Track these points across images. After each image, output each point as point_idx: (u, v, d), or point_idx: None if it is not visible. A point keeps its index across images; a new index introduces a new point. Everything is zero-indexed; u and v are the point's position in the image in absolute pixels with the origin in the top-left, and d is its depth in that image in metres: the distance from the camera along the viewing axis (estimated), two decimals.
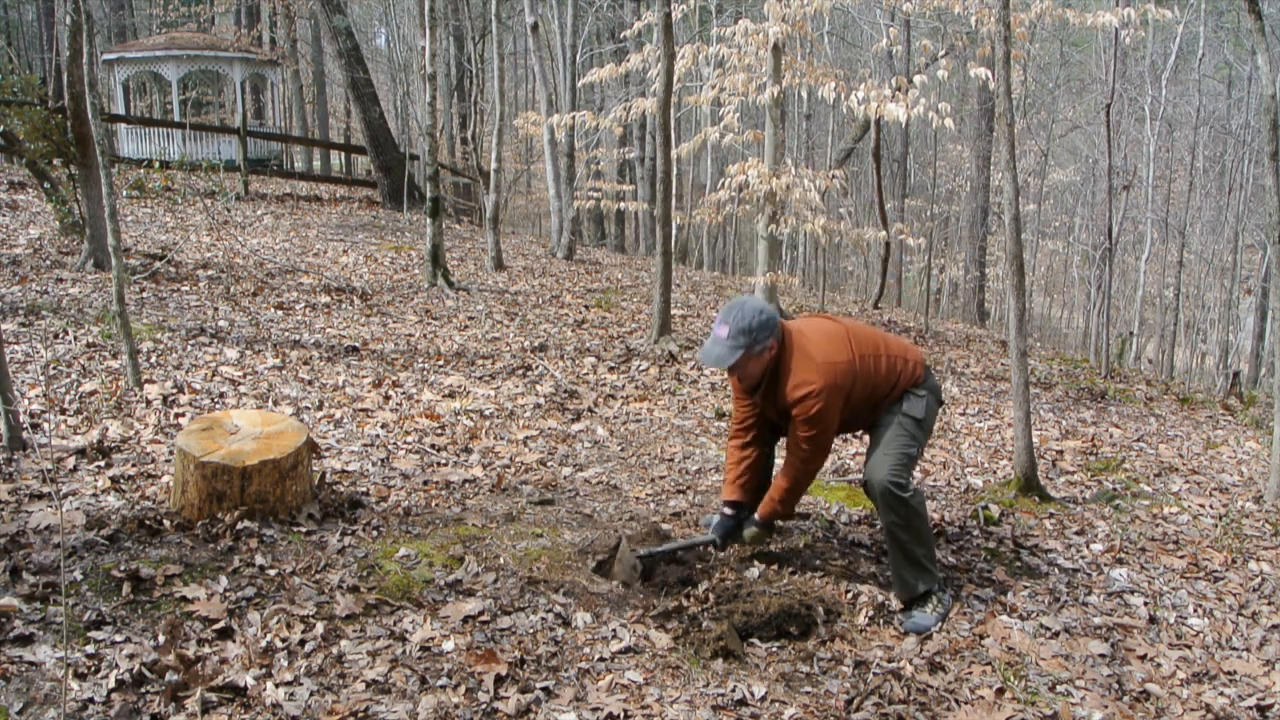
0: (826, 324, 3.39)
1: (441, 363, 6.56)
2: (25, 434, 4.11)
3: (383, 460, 4.46)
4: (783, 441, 3.71)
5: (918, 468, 4.50)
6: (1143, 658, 3.08)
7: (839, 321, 3.43)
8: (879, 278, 13.59)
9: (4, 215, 10.61)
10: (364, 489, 4.01)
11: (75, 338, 6.03)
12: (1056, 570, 3.72)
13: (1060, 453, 5.61)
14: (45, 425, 4.51)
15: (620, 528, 3.79)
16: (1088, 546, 4.00)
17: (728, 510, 3.48)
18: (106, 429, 4.46)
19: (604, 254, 16.30)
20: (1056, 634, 3.18)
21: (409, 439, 4.85)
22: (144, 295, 7.49)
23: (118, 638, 2.60)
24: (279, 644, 2.65)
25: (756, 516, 3.48)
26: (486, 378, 6.28)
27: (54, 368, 5.41)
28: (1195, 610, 3.46)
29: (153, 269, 8.28)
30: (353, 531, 3.49)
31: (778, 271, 9.07)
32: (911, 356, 3.43)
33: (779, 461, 3.84)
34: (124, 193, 11.79)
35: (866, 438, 3.46)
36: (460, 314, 8.37)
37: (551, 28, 15.97)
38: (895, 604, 3.28)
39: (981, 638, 3.11)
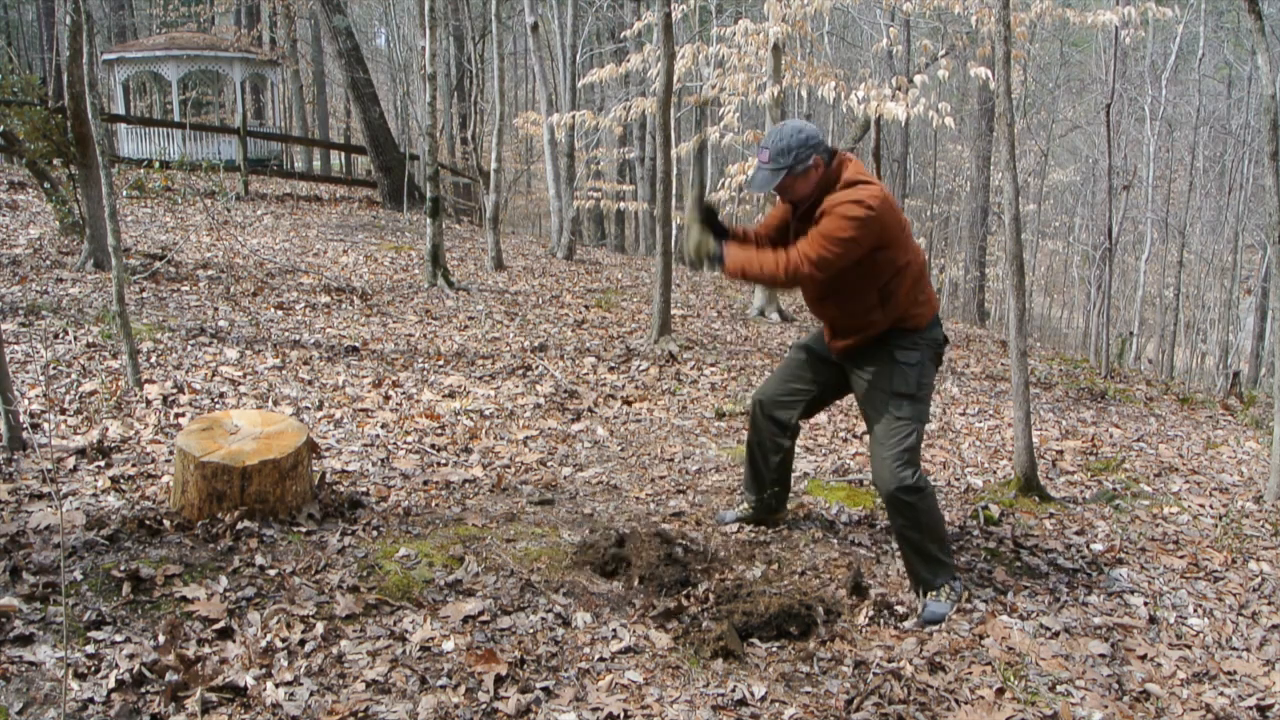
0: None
1: (441, 363, 6.56)
2: (25, 434, 4.11)
3: (383, 460, 4.46)
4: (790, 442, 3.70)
5: (919, 464, 4.48)
6: (1143, 658, 3.08)
7: None
8: None
9: (4, 215, 10.61)
10: (364, 489, 4.01)
11: (75, 338, 6.03)
12: (1056, 570, 3.72)
13: (1060, 453, 5.61)
14: (45, 425, 4.51)
15: (621, 526, 3.80)
16: (1088, 546, 4.00)
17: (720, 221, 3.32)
18: (106, 429, 4.46)
19: (604, 254, 16.30)
20: (1056, 634, 3.18)
21: (409, 439, 4.85)
22: (144, 295, 7.49)
23: (118, 638, 2.60)
24: (279, 644, 2.65)
25: (723, 251, 3.22)
26: (486, 378, 6.28)
27: (54, 368, 5.41)
28: (1195, 610, 3.46)
29: (153, 269, 8.28)
30: (353, 531, 3.49)
31: None
32: (930, 296, 3.32)
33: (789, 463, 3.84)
34: (124, 193, 11.79)
35: (866, 437, 3.45)
36: (460, 314, 8.37)
37: (551, 28, 15.97)
38: (898, 603, 3.28)
39: (981, 638, 3.11)
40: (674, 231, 10.10)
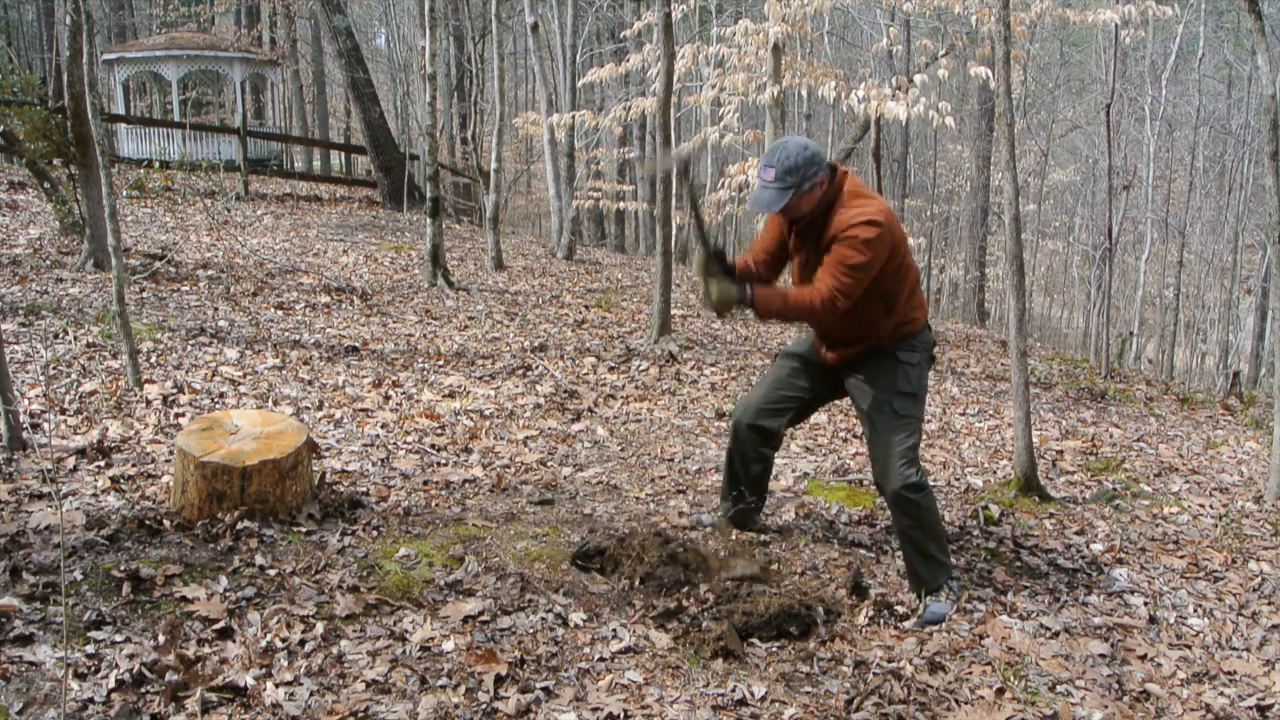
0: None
1: (441, 363, 6.56)
2: (25, 434, 4.11)
3: (383, 460, 4.46)
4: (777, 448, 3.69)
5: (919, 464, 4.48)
6: (1143, 658, 3.08)
7: None
8: None
9: (4, 215, 10.61)
10: (364, 489, 4.01)
11: (75, 338, 6.03)
12: (1056, 570, 3.72)
13: (1060, 453, 5.61)
14: (45, 425, 4.51)
15: (618, 530, 3.79)
16: (1088, 546, 4.00)
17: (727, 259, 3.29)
18: (106, 429, 4.46)
19: (604, 254, 16.31)
20: (1056, 634, 3.18)
21: (409, 439, 4.85)
22: (144, 295, 7.49)
23: (118, 638, 2.60)
24: (279, 644, 2.65)
25: (752, 292, 3.18)
26: (486, 378, 6.28)
27: (54, 368, 5.41)
28: (1195, 610, 3.46)
29: (153, 269, 8.28)
30: (353, 531, 3.49)
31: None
32: (923, 300, 3.37)
33: (775, 464, 3.83)
34: (124, 193, 11.79)
35: (864, 437, 3.45)
36: (460, 314, 8.37)
37: (551, 28, 15.97)
38: (898, 603, 3.28)
39: (981, 638, 3.11)
40: (674, 231, 10.11)
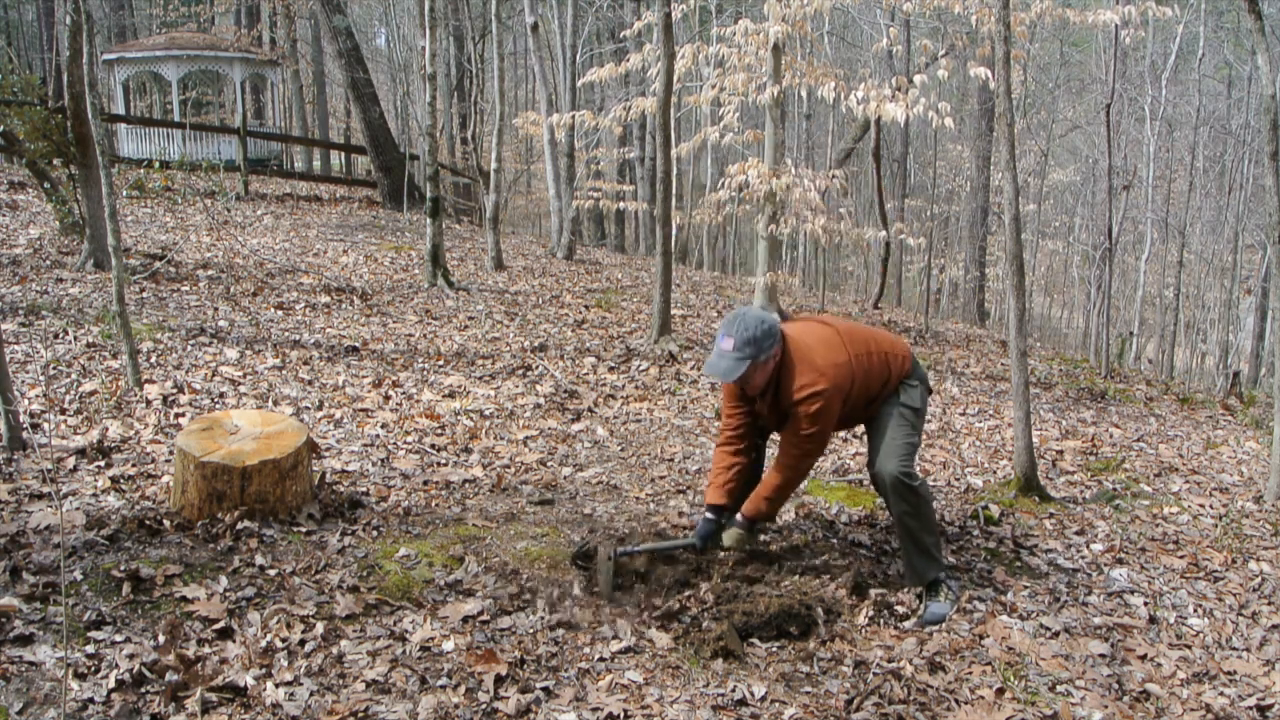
0: (818, 328, 3.41)
1: (441, 363, 6.56)
2: (25, 434, 4.11)
3: (383, 460, 4.46)
4: (772, 439, 3.71)
5: (917, 465, 4.50)
6: (1143, 658, 3.08)
7: (828, 324, 3.45)
8: (879, 278, 13.59)
9: (4, 215, 10.61)
10: (364, 489, 4.01)
11: (75, 338, 6.03)
12: (1056, 570, 3.72)
13: (1060, 453, 5.61)
14: (45, 425, 4.51)
15: (618, 530, 3.79)
16: (1088, 546, 4.00)
17: (709, 514, 3.46)
18: (106, 429, 4.46)
19: (604, 254, 16.30)
20: (1056, 634, 3.18)
21: (409, 439, 4.85)
22: (144, 295, 7.49)
23: (118, 638, 2.60)
24: (279, 644, 2.65)
25: (740, 516, 3.46)
26: (486, 378, 6.28)
27: (54, 368, 5.41)
28: (1195, 610, 3.46)
29: (153, 269, 8.28)
30: (353, 531, 3.49)
31: (778, 271, 9.07)
32: (900, 350, 3.48)
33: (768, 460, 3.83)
34: (124, 193, 11.79)
35: (865, 435, 3.47)
36: (460, 314, 8.37)
37: (551, 28, 15.97)
38: (898, 603, 3.28)
39: (981, 638, 3.11)
40: (674, 232, 10.11)
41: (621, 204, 14.62)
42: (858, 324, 3.64)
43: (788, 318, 9.82)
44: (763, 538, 3.77)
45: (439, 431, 5.04)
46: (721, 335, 3.20)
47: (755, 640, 2.97)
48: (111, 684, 2.38)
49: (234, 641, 2.65)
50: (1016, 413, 4.51)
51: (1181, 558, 3.95)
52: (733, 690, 2.67)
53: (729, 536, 3.45)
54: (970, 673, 2.88)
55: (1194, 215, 17.72)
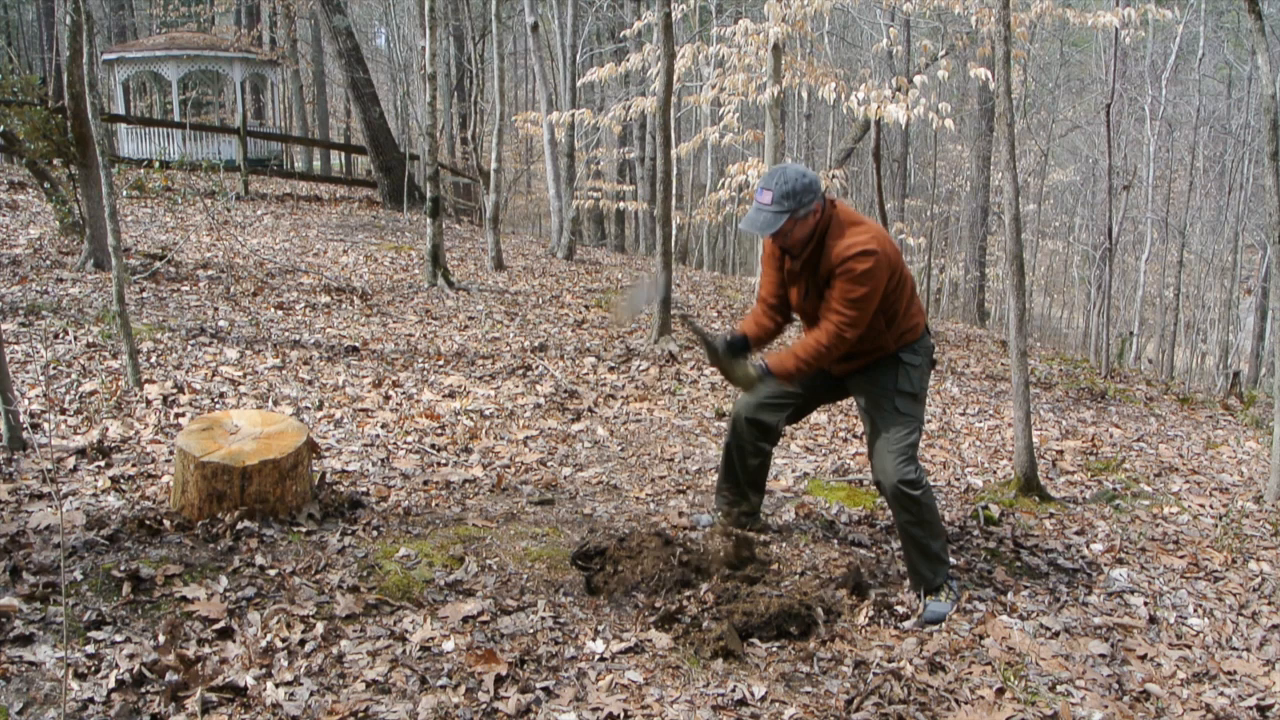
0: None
1: (441, 363, 6.56)
2: (25, 434, 4.11)
3: (383, 460, 4.46)
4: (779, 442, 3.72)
5: (919, 466, 4.50)
6: (1143, 658, 3.08)
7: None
8: None
9: (4, 215, 10.61)
10: (364, 489, 4.01)
11: (75, 338, 6.03)
12: (1056, 570, 3.72)
13: (1060, 453, 5.61)
14: (45, 425, 4.51)
15: (618, 530, 3.79)
16: (1088, 546, 4.00)
17: (740, 335, 3.37)
18: (106, 429, 4.46)
19: (604, 254, 16.30)
20: (1056, 634, 3.18)
21: (409, 439, 4.85)
22: (144, 295, 7.49)
23: (118, 638, 2.60)
24: (279, 644, 2.65)
25: (765, 363, 3.28)
26: (486, 378, 6.28)
27: (54, 368, 5.41)
28: (1195, 610, 3.46)
29: (153, 269, 8.28)
30: (353, 531, 3.49)
31: None
32: (920, 307, 3.40)
33: (770, 464, 3.83)
34: (124, 193, 11.79)
35: (865, 435, 3.45)
36: (460, 314, 8.37)
37: (551, 28, 15.97)
38: (898, 603, 3.28)
39: (981, 638, 3.11)
40: (674, 232, 10.11)
41: (621, 204, 14.65)
42: None
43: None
44: (763, 537, 3.78)
45: (439, 431, 5.04)
46: (760, 189, 3.10)
47: (755, 640, 2.97)
48: (111, 684, 2.38)
49: (234, 641, 2.65)
50: (1016, 413, 4.51)
51: (1181, 558, 3.95)
52: (733, 690, 2.67)
53: (742, 367, 3.32)
54: (970, 673, 2.88)
55: (1194, 215, 17.72)
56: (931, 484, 4.70)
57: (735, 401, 3.69)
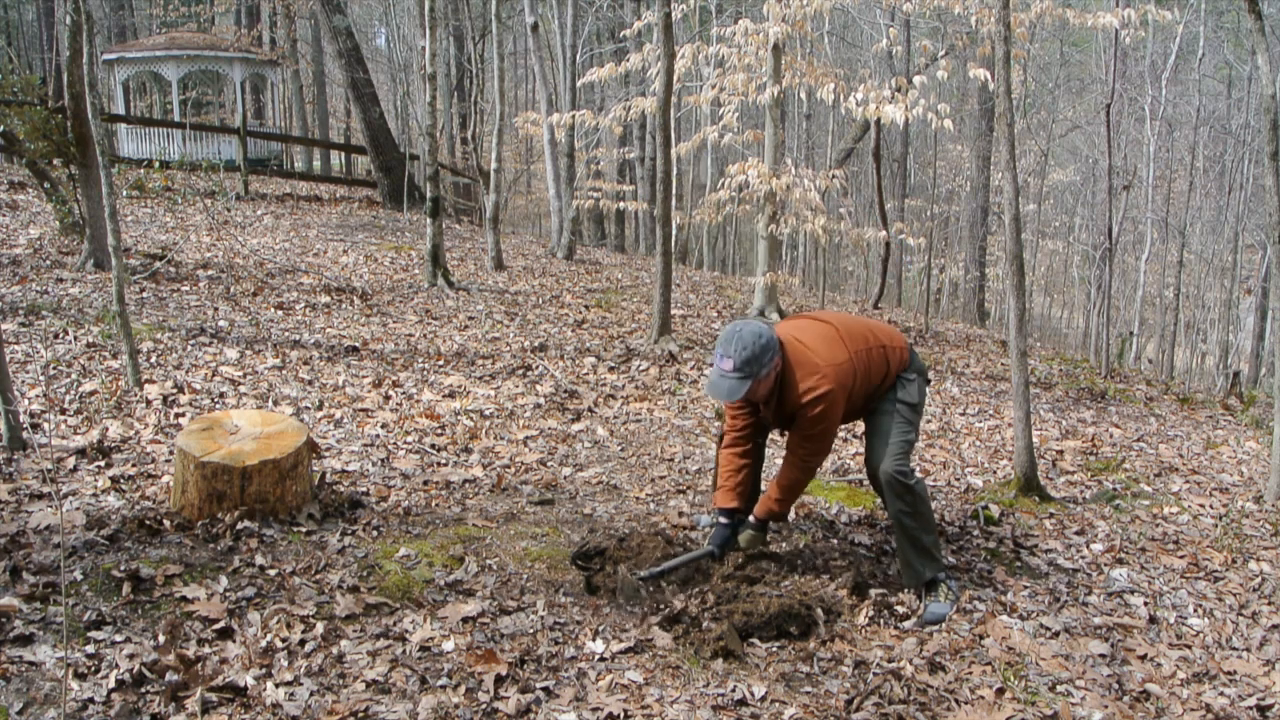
0: (817, 326, 3.40)
1: (441, 363, 6.56)
2: (25, 434, 4.11)
3: (383, 460, 4.46)
4: (771, 436, 3.73)
5: (916, 466, 4.51)
6: (1143, 658, 3.08)
7: (827, 320, 3.44)
8: (879, 278, 13.59)
9: (4, 215, 10.61)
10: (364, 489, 4.01)
11: (75, 338, 6.03)
12: (1056, 570, 3.72)
13: (1060, 453, 5.61)
14: (45, 425, 4.51)
15: (618, 530, 3.79)
16: (1088, 546, 4.00)
17: (723, 519, 3.45)
18: (106, 429, 4.46)
19: (604, 254, 16.30)
20: (1056, 634, 3.18)
21: (409, 439, 4.85)
22: (144, 295, 7.49)
23: (118, 638, 2.60)
24: (279, 644, 2.65)
25: (753, 517, 3.50)
26: (486, 378, 6.28)
27: (54, 368, 5.41)
28: (1195, 610, 3.46)
29: (153, 269, 8.28)
30: (353, 531, 3.49)
31: (778, 271, 9.07)
32: (898, 342, 3.49)
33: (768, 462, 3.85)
34: (124, 193, 11.79)
35: (864, 431, 3.48)
36: (460, 314, 8.37)
37: (551, 28, 15.97)
38: (898, 603, 3.28)
39: (981, 638, 3.11)
40: (674, 232, 10.11)
41: (621, 204, 14.64)
42: (855, 317, 3.63)
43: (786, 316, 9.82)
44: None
45: (439, 431, 5.04)
46: (719, 355, 3.18)
47: (755, 640, 2.97)
48: (111, 684, 2.38)
49: (234, 641, 2.65)
50: (1016, 413, 4.51)
51: (1181, 558, 3.95)
52: (733, 690, 2.67)
53: (744, 539, 3.49)
54: (970, 673, 2.88)
55: (1194, 215, 17.72)
56: (931, 484, 4.72)
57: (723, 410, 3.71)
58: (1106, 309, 10.21)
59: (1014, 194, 4.55)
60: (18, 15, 26.12)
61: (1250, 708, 2.81)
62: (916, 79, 8.74)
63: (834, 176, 9.26)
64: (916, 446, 3.78)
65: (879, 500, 4.20)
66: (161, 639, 2.59)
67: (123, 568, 2.94)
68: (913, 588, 3.33)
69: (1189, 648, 3.18)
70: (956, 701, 2.72)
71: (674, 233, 10.32)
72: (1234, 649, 3.18)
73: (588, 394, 6.08)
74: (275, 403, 5.24)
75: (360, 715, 2.40)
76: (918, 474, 3.36)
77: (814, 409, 3.20)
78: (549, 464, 4.71)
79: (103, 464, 4.01)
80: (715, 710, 2.58)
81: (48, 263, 8.22)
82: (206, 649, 2.60)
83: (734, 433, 3.52)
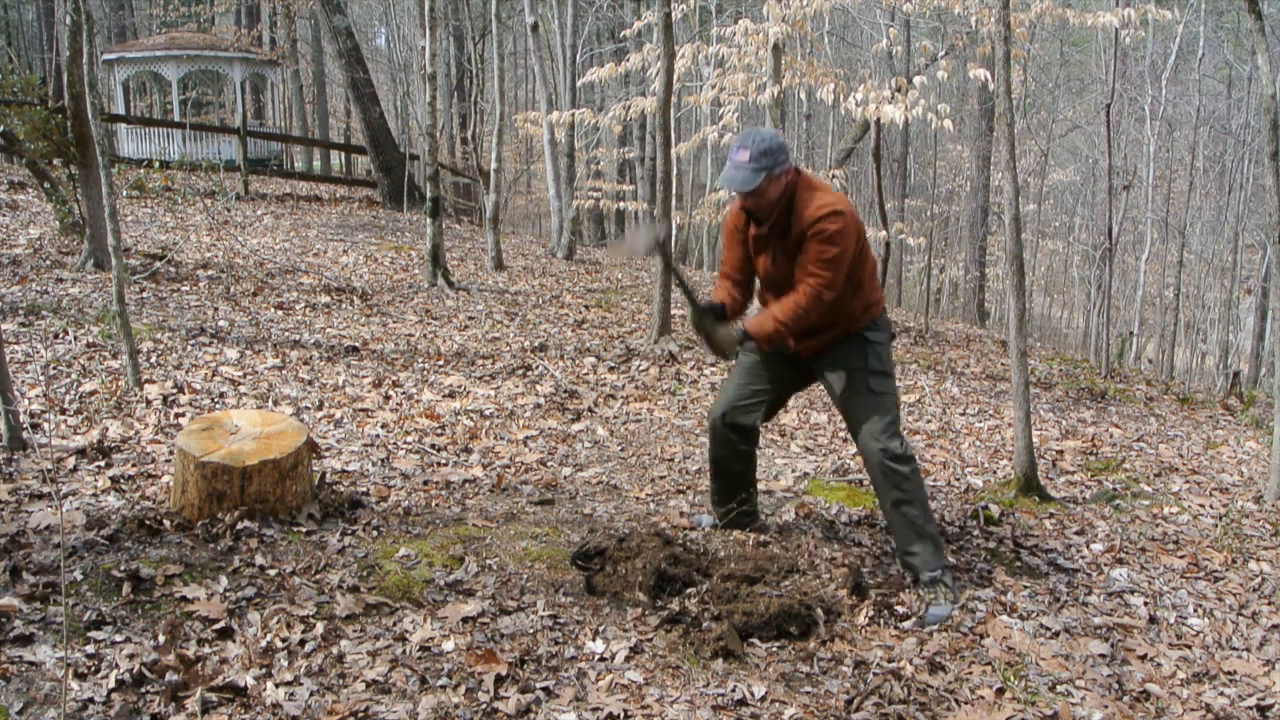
0: None
1: (441, 363, 6.56)
2: (25, 434, 4.11)
3: (383, 460, 4.46)
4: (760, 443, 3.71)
5: (904, 440, 4.45)
6: (1143, 658, 3.08)
7: None
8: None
9: (4, 215, 10.61)
10: (364, 489, 4.01)
11: (75, 338, 6.03)
12: (1056, 570, 3.72)
13: (1060, 453, 5.61)
14: (45, 425, 4.51)
15: (618, 530, 3.79)
16: (1088, 546, 4.00)
17: (716, 303, 3.40)
18: (106, 429, 4.46)
19: (604, 254, 16.30)
20: (1056, 634, 3.18)
21: (409, 439, 4.85)
22: (144, 295, 7.49)
23: (118, 638, 2.60)
24: (279, 644, 2.65)
25: (744, 327, 3.32)
26: (486, 378, 6.28)
27: (54, 368, 5.41)
28: (1195, 610, 3.46)
29: (153, 269, 8.28)
30: (353, 531, 3.49)
31: None
32: (879, 284, 3.47)
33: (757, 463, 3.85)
34: (124, 193, 11.79)
35: (845, 419, 3.45)
36: (460, 314, 8.37)
37: (551, 28, 15.97)
38: (898, 603, 3.28)
39: (981, 638, 3.11)
40: (674, 231, 10.11)
41: (621, 204, 14.65)
42: None
43: None
44: (763, 537, 3.78)
45: (439, 431, 5.04)
46: (736, 148, 3.17)
47: (755, 640, 2.97)
48: (111, 684, 2.38)
49: (234, 641, 2.65)
50: (1016, 413, 4.51)
51: (1181, 558, 3.95)
52: (733, 690, 2.67)
53: (724, 329, 3.36)
54: (970, 673, 2.88)
55: (1194, 215, 17.72)
56: (931, 484, 4.71)
57: (711, 413, 3.67)
58: (1106, 309, 10.21)
59: (1014, 194, 4.55)
60: (18, 15, 26.12)
61: (1250, 708, 2.81)
62: (916, 79, 8.74)
63: (834, 176, 9.27)
64: (901, 422, 3.68)
65: (879, 501, 4.20)
66: (161, 639, 2.59)
67: (123, 568, 2.94)
68: (924, 573, 3.27)
69: (1189, 648, 3.18)
70: (956, 701, 2.72)
71: (674, 232, 10.32)
72: (1234, 649, 3.18)
73: (588, 394, 6.08)
74: (275, 403, 5.24)
75: (360, 715, 2.40)
76: (910, 451, 3.29)
77: (827, 224, 3.10)
78: (549, 464, 4.71)
79: (103, 464, 4.01)
80: (715, 710, 2.58)
81: (48, 263, 8.22)
82: (206, 649, 2.61)
83: (728, 266, 3.48)
